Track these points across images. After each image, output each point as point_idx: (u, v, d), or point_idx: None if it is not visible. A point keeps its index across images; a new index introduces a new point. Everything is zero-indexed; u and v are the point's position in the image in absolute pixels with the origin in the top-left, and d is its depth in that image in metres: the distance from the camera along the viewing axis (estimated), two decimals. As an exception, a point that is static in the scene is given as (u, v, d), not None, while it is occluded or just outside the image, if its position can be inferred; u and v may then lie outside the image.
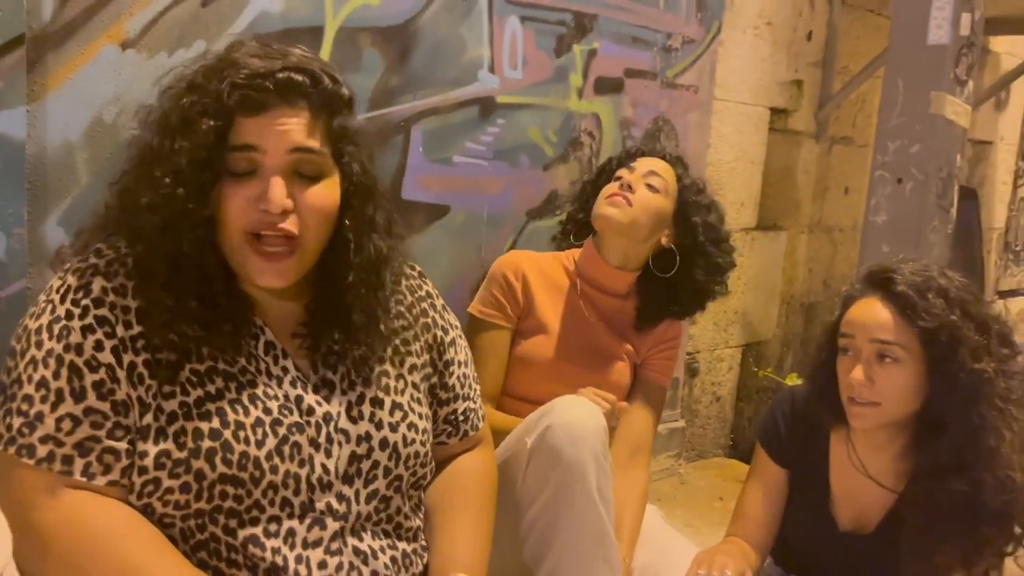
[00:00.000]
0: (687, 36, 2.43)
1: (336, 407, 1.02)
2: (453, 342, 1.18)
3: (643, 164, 1.60)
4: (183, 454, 0.92)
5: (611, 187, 1.58)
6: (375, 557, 1.03)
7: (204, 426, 0.93)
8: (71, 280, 0.94)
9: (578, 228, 1.66)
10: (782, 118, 3.09)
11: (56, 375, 0.90)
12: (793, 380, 2.94)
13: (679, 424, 2.80)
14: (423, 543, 1.13)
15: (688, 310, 1.66)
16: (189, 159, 0.91)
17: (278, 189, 0.92)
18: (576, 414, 1.25)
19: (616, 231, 1.56)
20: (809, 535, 1.40)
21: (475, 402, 1.22)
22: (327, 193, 0.97)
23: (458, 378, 1.18)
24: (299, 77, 0.93)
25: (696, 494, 2.66)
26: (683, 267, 1.58)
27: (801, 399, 1.43)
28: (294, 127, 0.93)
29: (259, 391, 0.98)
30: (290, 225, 0.94)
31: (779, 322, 3.25)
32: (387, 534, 1.06)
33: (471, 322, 1.58)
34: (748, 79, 2.83)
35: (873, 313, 1.28)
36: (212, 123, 0.91)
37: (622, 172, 1.60)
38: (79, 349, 0.91)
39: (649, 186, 1.57)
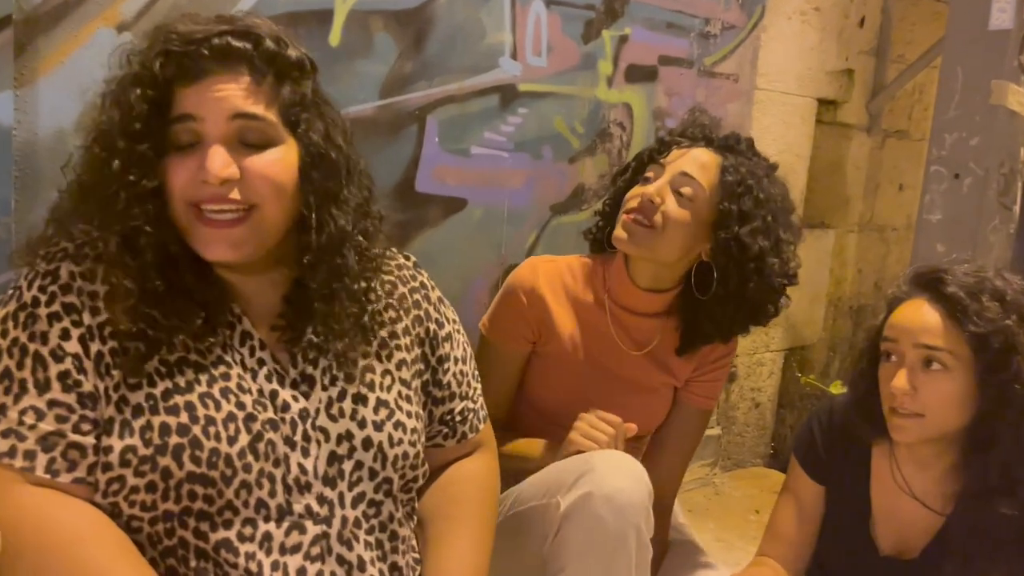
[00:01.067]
0: (727, 22, 2.31)
1: (315, 403, 0.97)
2: (449, 336, 1.11)
3: (675, 162, 1.33)
4: (149, 451, 0.87)
5: (634, 198, 1.33)
6: (362, 569, 0.96)
7: (172, 421, 0.88)
8: (40, 266, 0.90)
9: (612, 230, 1.41)
10: (831, 110, 2.94)
11: (20, 365, 0.86)
12: (837, 388, 2.79)
13: (715, 431, 2.68)
14: (416, 555, 1.06)
15: (731, 333, 1.41)
16: (121, 130, 0.87)
17: (216, 158, 0.87)
18: (620, 484, 1.12)
19: (636, 257, 1.35)
20: (847, 558, 1.31)
21: (474, 402, 1.15)
22: (276, 160, 0.91)
23: (454, 375, 1.11)
24: (238, 42, 0.88)
25: (730, 506, 2.54)
26: (722, 287, 1.32)
27: (840, 409, 1.33)
28: (233, 93, 0.88)
29: (232, 384, 0.93)
30: (235, 195, 0.88)
31: (825, 325, 3.10)
32: (380, 544, 1.00)
33: (480, 338, 1.43)
34: (794, 68, 2.69)
35: (919, 316, 1.19)
36: (141, 92, 0.87)
37: (651, 171, 1.35)
38: (44, 338, 0.87)
39: (679, 194, 1.31)
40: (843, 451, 1.31)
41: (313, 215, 0.93)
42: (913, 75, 3.03)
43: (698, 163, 1.32)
